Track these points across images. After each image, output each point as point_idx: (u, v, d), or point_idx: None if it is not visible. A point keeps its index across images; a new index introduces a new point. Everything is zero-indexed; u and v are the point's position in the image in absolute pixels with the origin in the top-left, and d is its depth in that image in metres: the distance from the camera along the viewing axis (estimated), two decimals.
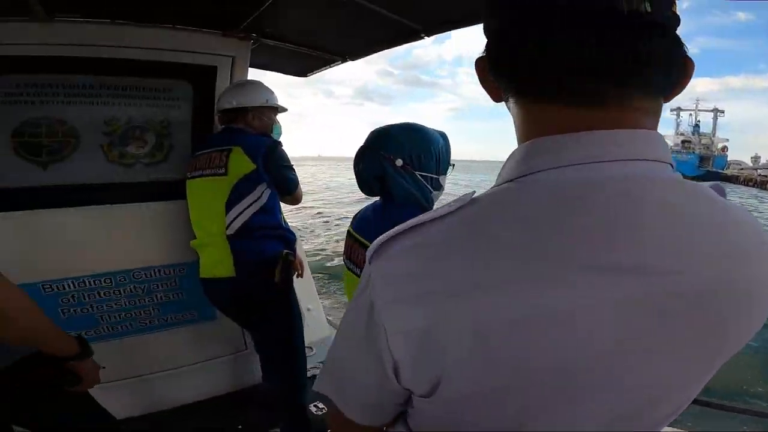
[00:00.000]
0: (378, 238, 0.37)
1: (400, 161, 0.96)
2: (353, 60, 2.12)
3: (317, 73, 2.48)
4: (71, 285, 1.69)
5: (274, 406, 1.74)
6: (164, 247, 1.85)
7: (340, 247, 1.38)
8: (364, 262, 0.38)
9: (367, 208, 1.08)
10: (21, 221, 1.59)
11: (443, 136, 1.05)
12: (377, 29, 1.79)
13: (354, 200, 16.05)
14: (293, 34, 1.97)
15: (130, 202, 1.76)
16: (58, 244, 1.65)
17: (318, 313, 2.60)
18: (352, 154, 1.06)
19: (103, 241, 1.73)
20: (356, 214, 1.09)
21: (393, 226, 0.36)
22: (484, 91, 0.40)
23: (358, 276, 0.96)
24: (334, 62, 2.18)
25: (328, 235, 11.23)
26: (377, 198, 1.06)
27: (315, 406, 1.91)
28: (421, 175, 0.98)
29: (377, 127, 1.04)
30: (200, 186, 1.63)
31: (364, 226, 1.03)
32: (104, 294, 1.77)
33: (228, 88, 1.76)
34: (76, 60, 1.66)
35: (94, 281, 1.73)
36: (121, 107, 1.75)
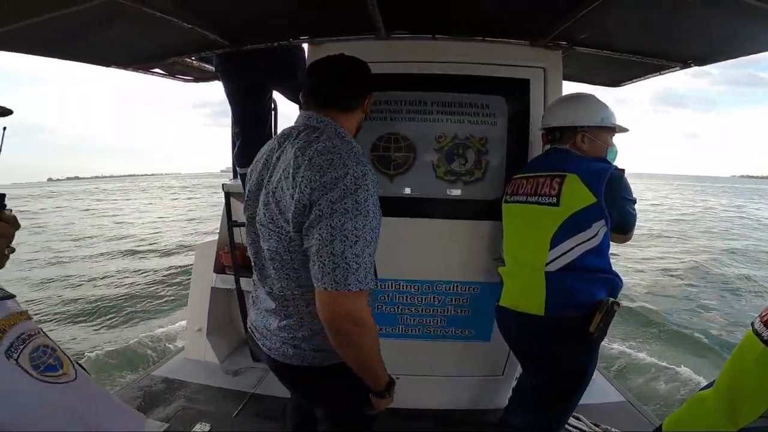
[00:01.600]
0: None
1: None
2: (699, 65, 1.79)
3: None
4: (389, 285, 1.88)
5: None
6: (466, 265, 1.88)
7: None
8: None
9: None
10: None
11: None
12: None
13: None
14: (619, 40, 1.73)
15: (449, 218, 1.84)
16: (387, 248, 1.81)
17: None
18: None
19: (419, 251, 1.86)
20: None
21: None
22: None
23: None
24: (668, 69, 1.88)
25: None
26: None
27: None
28: None
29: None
30: (522, 213, 1.52)
31: None
32: (409, 299, 1.92)
33: (555, 103, 1.63)
34: (410, 77, 1.79)
35: (405, 285, 1.89)
36: (448, 124, 1.82)
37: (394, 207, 1.71)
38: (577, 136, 1.48)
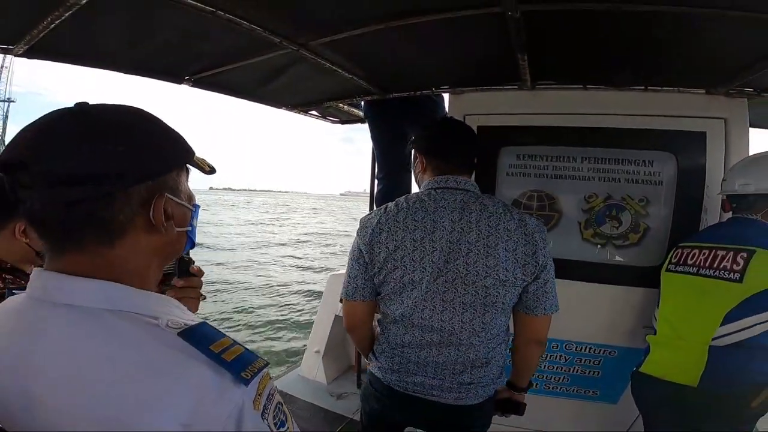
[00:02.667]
0: None
1: None
2: None
3: None
4: None
5: None
6: (606, 327, 1.68)
7: None
8: None
9: None
10: None
11: None
12: None
13: None
14: None
15: (591, 281, 1.63)
16: None
17: None
18: None
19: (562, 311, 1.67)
20: None
21: None
22: None
23: None
24: None
25: None
26: None
27: None
28: None
29: None
30: (692, 285, 1.36)
31: None
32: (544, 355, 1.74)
33: (743, 163, 1.36)
34: (557, 130, 1.66)
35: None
36: (601, 182, 1.64)
37: None
38: None
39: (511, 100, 1.71)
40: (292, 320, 7.22)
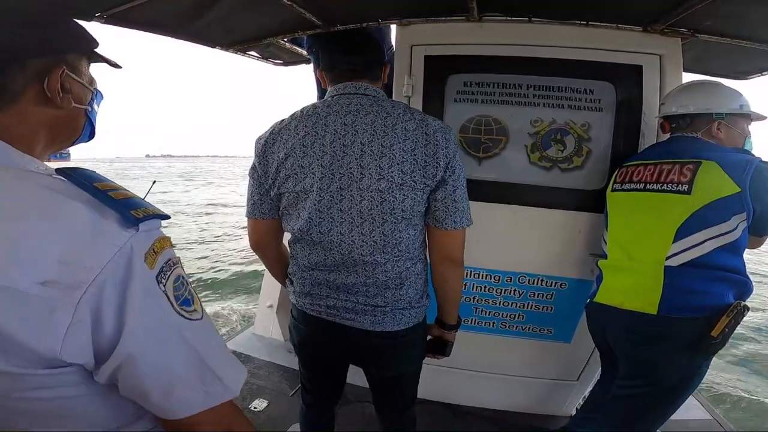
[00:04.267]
0: None
1: None
2: None
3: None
4: (470, 274, 1.79)
5: None
6: (555, 258, 1.75)
7: None
8: None
9: None
10: None
11: None
12: None
13: None
14: (752, 27, 1.47)
15: (539, 206, 1.71)
16: (469, 234, 1.75)
17: None
18: None
19: (506, 240, 1.76)
20: None
21: None
22: None
23: None
24: None
25: None
26: None
27: None
28: None
29: None
30: (638, 201, 1.41)
31: None
32: (488, 289, 1.83)
33: (681, 89, 1.45)
34: (504, 59, 1.68)
35: (486, 275, 1.80)
36: (545, 108, 1.69)
37: (480, 191, 1.64)
38: (713, 124, 1.34)
39: (458, 31, 1.68)
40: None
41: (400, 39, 1.73)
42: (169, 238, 0.48)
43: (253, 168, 1.11)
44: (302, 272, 1.13)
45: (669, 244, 1.28)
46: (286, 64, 2.29)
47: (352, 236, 1.01)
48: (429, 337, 1.26)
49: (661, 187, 1.34)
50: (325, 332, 1.13)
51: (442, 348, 1.27)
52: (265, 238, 1.19)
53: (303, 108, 1.09)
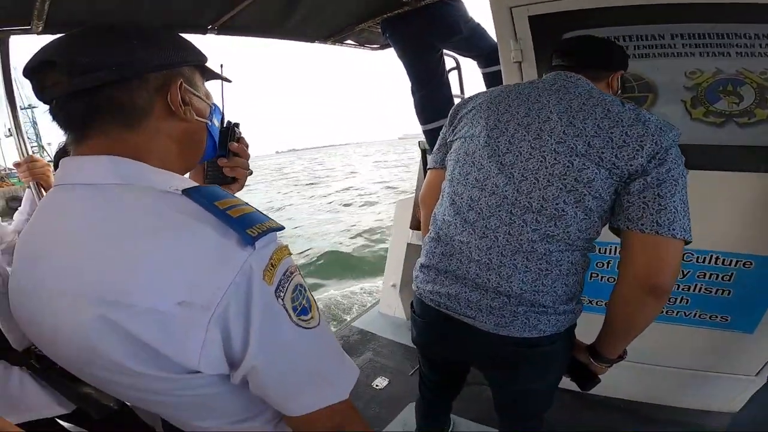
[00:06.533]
0: None
1: None
2: None
3: None
4: (611, 250, 1.53)
5: None
6: (738, 230, 1.37)
7: None
8: None
9: None
10: None
11: None
12: None
13: None
14: None
15: (709, 169, 1.34)
16: None
17: None
18: None
19: None
20: None
21: None
22: None
23: None
24: None
25: None
26: None
27: None
28: None
29: None
30: None
31: None
32: None
33: None
34: (633, 9, 1.32)
35: None
36: (702, 58, 1.27)
37: None
38: None
39: None
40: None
41: (494, 2, 1.50)
42: (286, 247, 0.49)
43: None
44: (434, 242, 0.99)
45: None
46: (383, 47, 2.24)
47: (506, 189, 0.87)
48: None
49: None
50: (440, 327, 0.98)
51: (583, 379, 1.00)
52: (434, 186, 1.11)
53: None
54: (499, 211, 0.87)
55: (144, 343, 0.42)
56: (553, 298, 0.85)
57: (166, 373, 0.45)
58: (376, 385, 2.02)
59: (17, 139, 1.34)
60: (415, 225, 2.52)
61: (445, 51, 2.09)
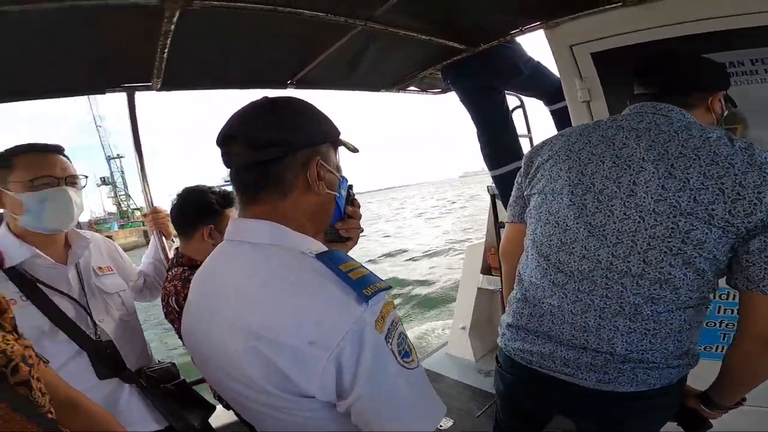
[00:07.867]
0: None
1: None
2: None
3: None
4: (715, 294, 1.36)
5: None
6: None
7: None
8: None
9: None
10: None
11: None
12: None
13: None
14: None
15: None
16: None
17: None
18: None
19: None
20: None
21: None
22: None
23: None
24: None
25: None
26: None
27: None
28: None
29: None
30: None
31: None
32: (735, 312, 1.33)
33: None
34: (704, 36, 1.27)
35: (735, 295, 1.31)
36: None
37: None
38: None
39: (619, 20, 1.40)
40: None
41: (554, 42, 1.53)
42: (392, 302, 0.59)
43: (520, 171, 1.08)
44: (523, 298, 0.96)
45: None
46: (444, 91, 2.35)
47: (599, 253, 0.82)
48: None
49: None
50: (531, 383, 0.95)
51: (691, 426, 0.95)
52: (516, 241, 1.08)
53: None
54: (593, 275, 0.83)
55: (280, 369, 0.53)
56: (665, 355, 0.81)
57: (290, 395, 0.55)
58: (441, 426, 1.97)
59: (143, 186, 1.58)
60: (486, 269, 2.55)
61: (507, 91, 2.10)
